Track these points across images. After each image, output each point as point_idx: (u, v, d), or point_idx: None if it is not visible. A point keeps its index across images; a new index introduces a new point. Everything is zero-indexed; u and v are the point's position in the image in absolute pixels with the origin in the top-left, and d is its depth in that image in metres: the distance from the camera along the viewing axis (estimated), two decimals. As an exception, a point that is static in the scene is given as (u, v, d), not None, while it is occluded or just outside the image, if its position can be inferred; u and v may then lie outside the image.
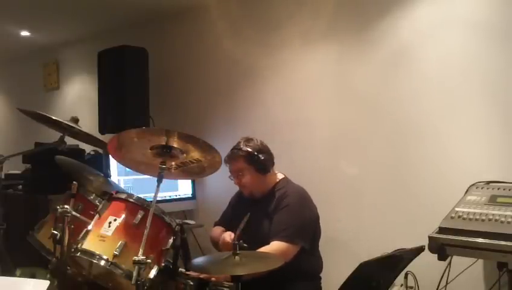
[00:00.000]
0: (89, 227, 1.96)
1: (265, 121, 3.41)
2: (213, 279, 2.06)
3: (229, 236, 2.36)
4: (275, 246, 2.27)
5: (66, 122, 2.34)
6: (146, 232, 1.75)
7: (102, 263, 1.83)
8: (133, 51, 3.78)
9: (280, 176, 2.58)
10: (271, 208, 2.43)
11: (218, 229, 2.61)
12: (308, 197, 2.50)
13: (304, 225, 2.39)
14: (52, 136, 2.60)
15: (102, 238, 1.89)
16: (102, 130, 3.86)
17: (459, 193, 2.22)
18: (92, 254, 1.86)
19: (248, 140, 2.50)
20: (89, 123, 3.83)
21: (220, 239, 2.46)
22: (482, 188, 2.19)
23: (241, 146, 2.47)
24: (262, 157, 2.45)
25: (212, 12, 3.75)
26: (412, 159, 2.77)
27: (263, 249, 2.23)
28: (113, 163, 3.38)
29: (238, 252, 1.89)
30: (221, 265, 1.92)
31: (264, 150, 2.49)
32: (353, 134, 3.03)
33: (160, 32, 4.12)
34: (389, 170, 2.87)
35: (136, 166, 2.14)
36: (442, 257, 1.94)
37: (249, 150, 2.44)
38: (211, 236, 2.62)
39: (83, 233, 1.94)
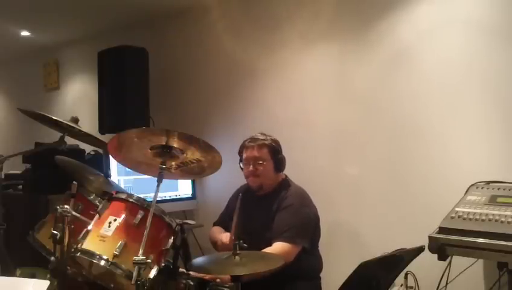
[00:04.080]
0: (89, 227, 1.95)
1: (265, 121, 3.41)
2: (218, 280, 2.05)
3: (226, 238, 2.36)
4: (277, 247, 2.27)
5: (66, 122, 2.33)
6: (146, 232, 1.75)
7: (102, 263, 1.83)
8: (133, 51, 3.78)
9: (282, 175, 2.59)
10: (273, 207, 2.43)
11: (217, 230, 2.61)
12: (309, 198, 2.51)
13: (305, 226, 2.40)
14: (52, 136, 2.60)
15: (102, 238, 1.89)
16: (102, 130, 3.86)
17: (459, 193, 2.22)
18: (92, 254, 1.85)
19: (268, 135, 2.53)
20: (89, 123, 3.84)
21: (218, 240, 2.46)
22: (482, 188, 2.19)
23: (266, 137, 2.50)
24: (280, 156, 2.51)
25: (212, 12, 3.75)
26: (412, 159, 2.77)
27: (266, 250, 2.23)
28: (113, 163, 3.38)
29: (238, 252, 1.89)
30: (221, 265, 1.92)
31: (281, 149, 2.54)
32: (353, 134, 3.03)
33: (160, 32, 4.11)
34: (389, 170, 2.87)
35: (136, 166, 2.14)
36: (442, 257, 1.94)
37: (274, 144, 2.49)
38: (210, 236, 2.62)
39: (83, 233, 1.94)
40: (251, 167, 2.47)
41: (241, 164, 2.54)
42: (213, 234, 2.60)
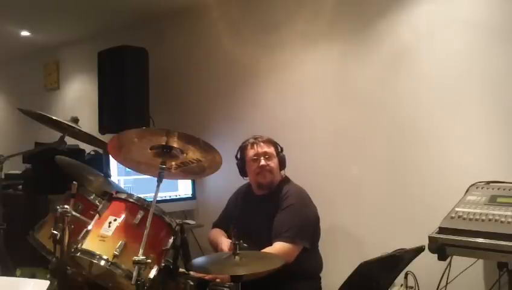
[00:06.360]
0: (89, 227, 1.95)
1: (265, 121, 3.41)
2: (218, 280, 2.05)
3: (227, 247, 2.35)
4: (277, 247, 2.27)
5: (66, 122, 2.34)
6: (146, 232, 1.74)
7: (102, 263, 1.82)
8: (133, 51, 3.78)
9: (282, 175, 2.59)
10: (273, 207, 2.43)
11: (217, 232, 2.60)
12: (308, 198, 2.51)
13: (306, 225, 2.40)
14: (52, 136, 2.60)
15: (102, 238, 1.89)
16: (102, 130, 3.86)
17: (459, 193, 2.22)
18: (92, 254, 1.85)
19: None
20: (89, 123, 3.83)
21: (218, 244, 2.45)
22: (482, 188, 2.19)
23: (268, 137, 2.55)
24: (282, 154, 2.55)
25: (212, 12, 3.75)
26: (412, 159, 2.77)
27: (266, 250, 2.23)
28: (113, 163, 3.37)
29: (238, 252, 1.89)
30: (221, 265, 1.92)
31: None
32: (353, 134, 3.03)
33: (160, 32, 4.12)
34: (389, 170, 2.87)
35: (136, 166, 2.14)
36: (442, 257, 1.94)
37: (275, 142, 2.55)
38: (210, 238, 2.61)
39: (83, 233, 1.94)
40: (263, 162, 2.47)
41: (244, 166, 2.54)
42: (213, 236, 2.59)
